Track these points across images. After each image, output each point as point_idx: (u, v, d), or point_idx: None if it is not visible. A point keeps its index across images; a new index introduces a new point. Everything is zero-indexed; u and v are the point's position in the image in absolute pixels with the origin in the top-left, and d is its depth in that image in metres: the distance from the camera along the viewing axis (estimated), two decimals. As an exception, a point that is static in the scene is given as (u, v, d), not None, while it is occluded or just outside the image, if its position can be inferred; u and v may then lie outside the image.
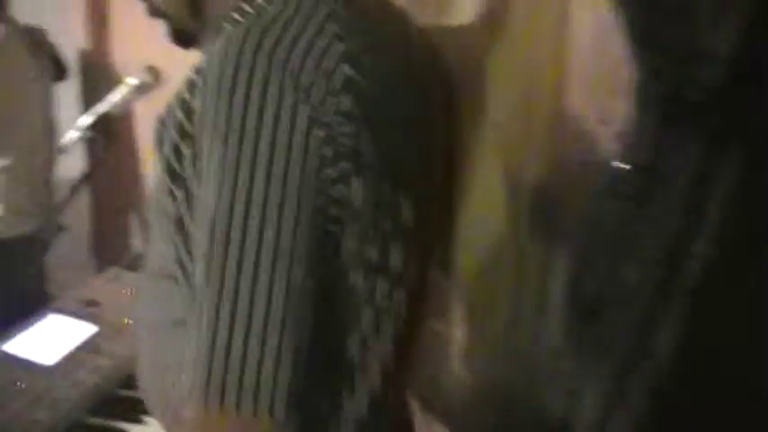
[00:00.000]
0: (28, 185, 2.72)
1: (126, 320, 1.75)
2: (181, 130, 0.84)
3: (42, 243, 2.76)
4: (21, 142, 2.67)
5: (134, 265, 2.04)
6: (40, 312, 1.72)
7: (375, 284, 0.89)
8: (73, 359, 1.58)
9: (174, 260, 0.90)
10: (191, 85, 0.85)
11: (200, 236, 0.80)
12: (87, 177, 2.41)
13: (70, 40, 3.04)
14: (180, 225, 0.88)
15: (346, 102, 0.82)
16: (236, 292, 0.76)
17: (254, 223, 0.76)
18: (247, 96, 0.77)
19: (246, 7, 0.92)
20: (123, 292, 1.89)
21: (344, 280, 0.87)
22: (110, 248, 3.18)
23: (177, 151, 0.85)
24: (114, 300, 1.84)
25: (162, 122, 0.89)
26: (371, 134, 0.83)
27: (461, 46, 1.11)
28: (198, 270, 0.80)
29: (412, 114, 0.95)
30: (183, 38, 1.05)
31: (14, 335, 1.61)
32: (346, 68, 0.82)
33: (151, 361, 1.03)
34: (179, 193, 0.86)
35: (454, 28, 1.15)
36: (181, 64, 1.01)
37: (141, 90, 2.10)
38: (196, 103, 0.82)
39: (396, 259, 0.90)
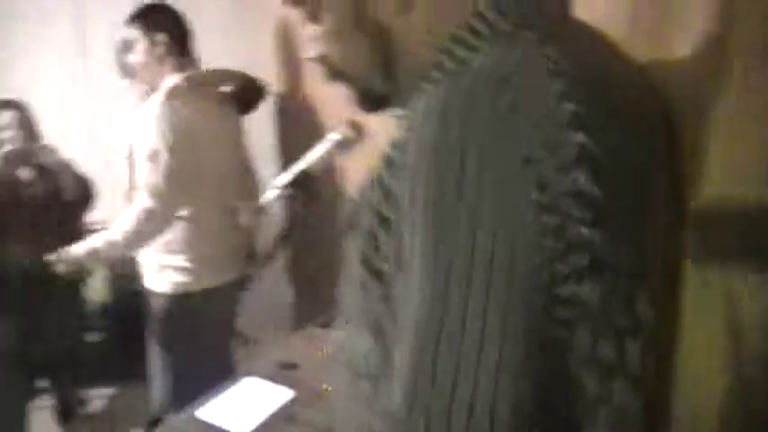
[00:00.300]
0: (219, 235, 2.68)
1: (326, 387, 1.64)
2: (378, 215, 0.70)
3: (232, 298, 2.77)
4: (209, 192, 2.62)
5: (330, 323, 1.94)
6: (234, 376, 1.63)
7: (611, 387, 0.69)
8: (268, 428, 1.47)
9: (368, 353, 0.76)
10: (388, 163, 0.70)
11: (403, 348, 0.66)
12: (286, 234, 2.35)
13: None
14: (374, 321, 0.73)
15: (581, 179, 0.63)
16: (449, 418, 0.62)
17: (471, 337, 0.62)
18: (461, 175, 0.63)
19: (447, 62, 0.77)
20: (321, 353, 1.78)
21: (575, 385, 0.67)
22: (306, 307, 3.14)
23: (372, 239, 0.71)
24: (312, 362, 1.73)
25: (356, 203, 0.75)
26: (610, 218, 0.64)
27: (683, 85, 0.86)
28: (399, 385, 0.66)
29: (650, 185, 0.74)
30: (370, 101, 0.89)
31: (208, 399, 1.53)
32: (579, 136, 0.64)
33: None
34: (374, 287, 0.72)
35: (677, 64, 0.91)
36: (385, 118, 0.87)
37: (343, 145, 2.01)
38: (394, 184, 0.69)
39: (634, 358, 0.70)
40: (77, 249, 2.58)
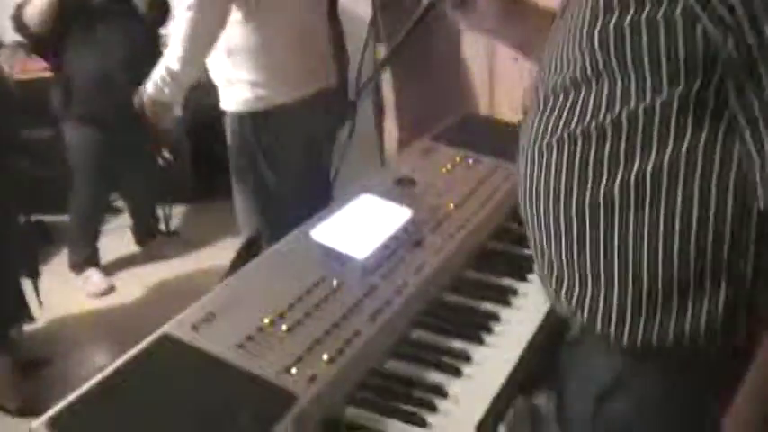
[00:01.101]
0: (290, 42, 2.33)
1: (450, 205, 1.42)
2: None
3: (319, 116, 2.44)
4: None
5: (446, 137, 1.70)
6: (350, 193, 1.42)
7: None
8: (390, 251, 1.27)
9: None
10: None
11: None
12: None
13: None
14: None
15: None
16: None
17: None
18: None
19: None
20: (440, 168, 1.55)
21: None
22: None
23: None
24: (431, 177, 1.51)
25: None
26: None
27: None
28: None
29: None
30: None
31: (322, 218, 1.32)
32: None
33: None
34: None
35: None
36: None
37: None
38: None
39: None
40: (149, 89, 2.31)
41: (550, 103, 0.96)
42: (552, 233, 0.97)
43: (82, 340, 3.08)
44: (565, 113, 0.93)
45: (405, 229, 1.33)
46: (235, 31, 2.23)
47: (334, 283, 1.18)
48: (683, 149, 0.85)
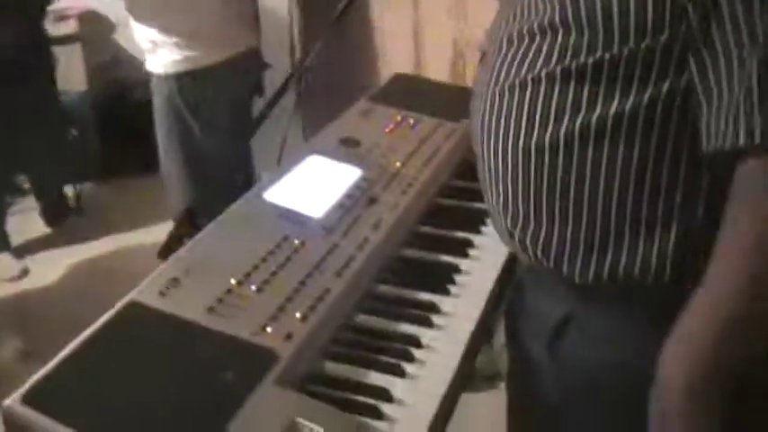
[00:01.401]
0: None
1: (397, 163, 1.43)
2: None
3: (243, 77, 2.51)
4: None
5: (384, 98, 1.70)
6: (298, 154, 1.41)
7: None
8: (345, 210, 1.27)
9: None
10: None
11: None
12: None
13: None
14: None
15: None
16: None
17: None
18: None
19: None
20: (382, 127, 1.55)
21: None
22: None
23: None
24: (373, 137, 1.51)
25: None
26: None
27: None
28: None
29: None
30: None
31: (274, 181, 1.31)
32: None
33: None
34: None
35: None
36: None
37: None
38: None
39: None
40: None
41: (514, 47, 0.97)
42: (509, 170, 0.99)
43: (-1, 325, 2.96)
44: (529, 57, 0.95)
45: (357, 187, 1.33)
46: None
47: (296, 242, 1.17)
48: (645, 98, 0.88)
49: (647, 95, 0.87)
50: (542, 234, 0.98)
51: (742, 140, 0.79)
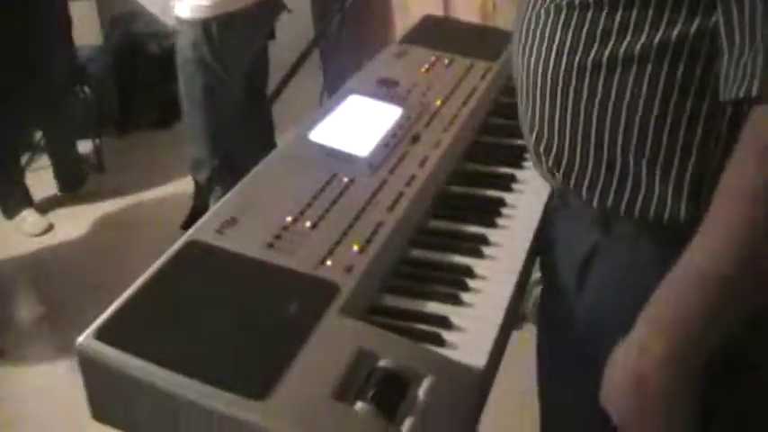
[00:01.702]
0: None
1: (437, 101, 1.43)
2: None
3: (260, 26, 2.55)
4: None
5: (416, 39, 1.70)
6: (337, 95, 1.41)
7: None
8: (390, 149, 1.27)
9: None
10: None
11: None
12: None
13: None
14: None
15: None
16: None
17: None
18: None
19: None
20: (419, 68, 1.55)
21: None
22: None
23: None
24: (411, 77, 1.51)
25: None
26: None
27: None
28: None
29: None
30: None
31: (317, 121, 1.31)
32: None
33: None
34: None
35: None
36: None
37: None
38: None
39: None
40: None
41: None
42: (543, 91, 1.00)
43: (26, 281, 2.99)
44: None
45: (399, 125, 1.34)
46: None
47: (345, 180, 1.18)
48: (674, 33, 0.88)
49: (675, 31, 0.88)
50: (566, 156, 1.00)
51: (755, 90, 0.78)
